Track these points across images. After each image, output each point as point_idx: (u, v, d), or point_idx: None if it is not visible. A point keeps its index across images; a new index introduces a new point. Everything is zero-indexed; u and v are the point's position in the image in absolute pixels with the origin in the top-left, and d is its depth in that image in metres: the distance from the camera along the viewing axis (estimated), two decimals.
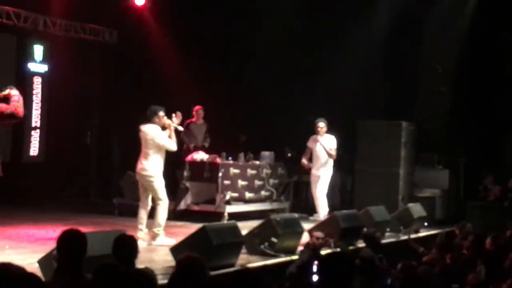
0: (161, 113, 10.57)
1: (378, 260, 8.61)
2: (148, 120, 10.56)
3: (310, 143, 14.12)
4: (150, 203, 10.68)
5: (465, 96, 16.30)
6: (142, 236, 10.36)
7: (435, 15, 16.67)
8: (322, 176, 13.92)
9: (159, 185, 10.54)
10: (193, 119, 14.73)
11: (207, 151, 14.44)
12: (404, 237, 12.09)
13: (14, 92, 9.19)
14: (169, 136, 10.60)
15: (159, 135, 10.48)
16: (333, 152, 13.93)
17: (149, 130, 10.47)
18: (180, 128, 11.08)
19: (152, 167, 10.50)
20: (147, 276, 4.70)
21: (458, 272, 7.40)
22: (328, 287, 4.74)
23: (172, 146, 10.63)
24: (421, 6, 16.59)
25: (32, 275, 4.19)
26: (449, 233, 12.52)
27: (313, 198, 14.17)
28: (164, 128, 10.63)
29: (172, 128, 10.64)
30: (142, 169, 10.54)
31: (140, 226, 10.56)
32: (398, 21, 16.42)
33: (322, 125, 13.95)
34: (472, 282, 6.59)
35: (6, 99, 9.07)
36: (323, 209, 13.74)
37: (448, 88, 16.72)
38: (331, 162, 14.00)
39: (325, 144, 13.88)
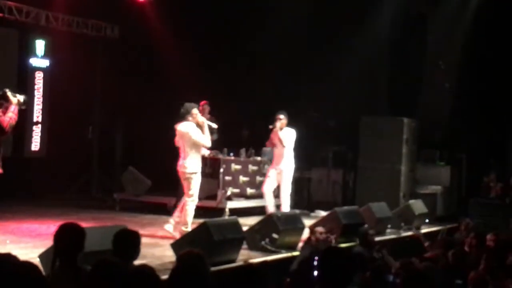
0: (195, 111, 10.78)
1: (374, 257, 8.63)
2: (182, 118, 10.75)
3: (271, 137, 12.82)
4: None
5: (468, 93, 16.27)
6: (168, 228, 10.71)
7: (439, 12, 16.65)
8: (284, 171, 12.62)
9: (195, 183, 10.76)
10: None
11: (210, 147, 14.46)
12: (406, 234, 12.10)
13: (16, 100, 8.39)
14: (203, 133, 10.77)
15: (194, 131, 10.65)
16: (286, 144, 12.60)
17: (184, 128, 10.67)
18: (214, 125, 11.21)
19: (190, 164, 10.73)
20: (147, 273, 4.68)
21: (460, 269, 7.39)
22: (329, 282, 4.73)
23: (206, 142, 10.81)
24: (425, 3, 16.56)
25: (30, 264, 4.18)
26: (450, 229, 12.52)
27: (264, 194, 12.82)
28: (198, 125, 10.80)
29: (206, 125, 10.82)
30: (182, 166, 10.79)
31: (171, 220, 10.87)
32: (402, 18, 16.40)
33: (282, 117, 12.69)
34: (474, 278, 6.57)
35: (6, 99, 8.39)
36: (286, 205, 12.56)
37: (451, 85, 16.71)
38: (291, 156, 12.72)
39: (283, 138, 12.60)
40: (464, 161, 16.21)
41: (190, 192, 10.72)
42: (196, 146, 10.73)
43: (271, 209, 12.34)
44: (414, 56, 16.55)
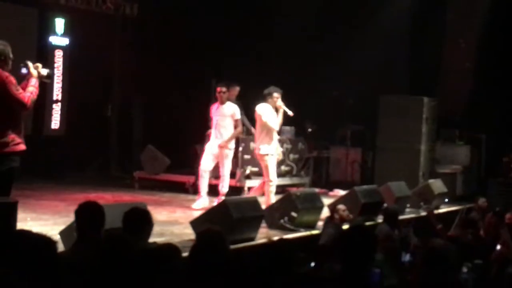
0: (275, 95, 11.07)
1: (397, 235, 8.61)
2: (264, 99, 11.10)
3: (211, 112, 11.98)
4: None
5: (488, 73, 16.15)
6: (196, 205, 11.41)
7: None
8: (226, 150, 11.71)
9: (270, 164, 11.03)
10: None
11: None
12: (425, 213, 12.07)
13: (38, 73, 7.60)
14: (280, 118, 11.11)
15: (265, 112, 10.98)
16: (239, 128, 11.88)
17: (259, 109, 11.08)
18: (290, 113, 11.28)
19: (263, 146, 11.06)
20: (169, 250, 4.68)
21: (480, 248, 7.38)
22: (351, 260, 4.73)
23: (274, 125, 11.06)
24: None
25: (44, 238, 4.23)
26: (469, 209, 12.48)
27: (221, 176, 11.86)
28: (276, 109, 11.11)
29: (282, 110, 11.08)
30: (256, 148, 11.27)
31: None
32: None
33: (223, 89, 11.76)
34: (497, 257, 6.55)
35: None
36: (225, 188, 11.81)
37: (471, 64, 16.58)
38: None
39: (225, 113, 11.71)
40: (483, 140, 16.12)
41: (269, 177, 11.08)
42: (266, 128, 11.01)
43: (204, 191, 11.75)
44: (434, 35, 16.43)
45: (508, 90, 15.78)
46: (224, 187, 11.75)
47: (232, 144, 11.80)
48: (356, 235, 4.88)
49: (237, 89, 14.50)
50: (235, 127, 11.75)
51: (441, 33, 16.65)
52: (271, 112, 11.02)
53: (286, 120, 11.63)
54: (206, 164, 11.73)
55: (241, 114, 14.29)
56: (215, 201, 10.89)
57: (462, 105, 16.29)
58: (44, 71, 7.63)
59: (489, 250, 7.02)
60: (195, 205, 11.43)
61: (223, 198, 10.91)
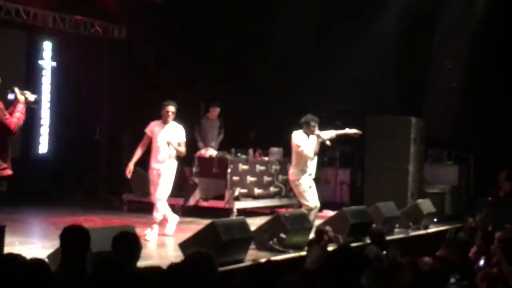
0: (313, 123, 11.10)
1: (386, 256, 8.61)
2: (300, 127, 11.16)
3: (150, 129, 10.98)
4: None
5: (475, 92, 16.24)
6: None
7: (446, 11, 16.62)
8: (164, 173, 10.80)
9: (302, 190, 11.07)
10: (208, 115, 14.78)
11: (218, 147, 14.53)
12: (415, 233, 12.10)
13: (25, 99, 7.71)
14: (316, 147, 11.10)
15: (299, 141, 11.04)
16: (182, 149, 10.88)
17: (294, 136, 11.13)
18: (328, 143, 11.26)
19: (295, 172, 11.12)
20: (154, 273, 4.68)
21: (467, 269, 7.38)
22: (337, 282, 4.73)
23: (308, 152, 11.05)
24: (433, 2, 16.53)
25: (38, 261, 4.24)
26: (458, 229, 12.49)
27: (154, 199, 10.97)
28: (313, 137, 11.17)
29: (319, 140, 11.11)
30: (289, 174, 11.33)
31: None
32: (410, 16, 16.38)
33: (172, 109, 10.90)
34: (485, 277, 6.55)
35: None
36: (159, 214, 10.77)
37: (458, 84, 16.68)
38: (174, 154, 10.88)
39: (169, 135, 10.80)
40: (472, 160, 16.18)
41: (303, 201, 11.15)
42: (299, 155, 11.04)
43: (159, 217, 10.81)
44: (421, 55, 16.52)
45: (495, 110, 15.86)
46: (158, 213, 10.74)
47: (173, 166, 10.85)
48: (343, 257, 4.88)
49: (217, 110, 14.64)
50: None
51: (428, 54, 16.74)
52: (306, 140, 11.07)
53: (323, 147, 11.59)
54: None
55: (221, 132, 14.47)
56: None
57: (450, 125, 16.36)
58: (32, 97, 7.64)
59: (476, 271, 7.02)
60: (167, 231, 10.87)
61: (155, 227, 10.53)
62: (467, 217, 12.06)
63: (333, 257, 4.98)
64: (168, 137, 10.70)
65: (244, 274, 4.71)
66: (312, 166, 11.18)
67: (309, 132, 11.07)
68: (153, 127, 10.88)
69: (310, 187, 11.12)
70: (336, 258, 4.90)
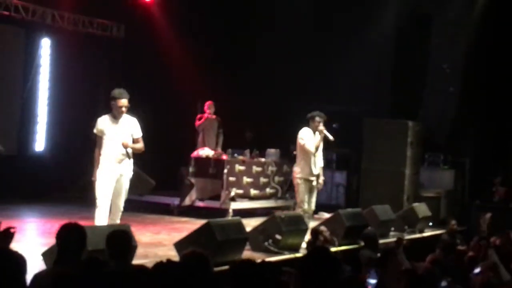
0: (317, 119, 11.11)
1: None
2: (306, 122, 11.18)
3: (99, 129, 9.27)
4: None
5: (473, 97, 16.26)
6: None
7: (444, 14, 16.64)
8: (126, 177, 9.29)
9: (300, 188, 11.08)
10: (205, 114, 14.75)
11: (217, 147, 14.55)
12: (410, 236, 12.12)
13: None
14: (318, 142, 11.10)
15: (303, 136, 11.06)
16: (140, 145, 9.31)
17: (299, 132, 11.13)
18: (331, 138, 11.23)
19: (298, 169, 11.14)
20: (148, 273, 4.69)
21: (461, 272, 7.40)
22: (312, 283, 4.70)
23: (309, 147, 11.05)
24: (430, 5, 16.55)
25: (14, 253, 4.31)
26: (442, 235, 12.55)
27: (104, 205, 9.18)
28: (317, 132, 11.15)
29: (322, 135, 11.11)
30: (293, 170, 11.29)
31: None
32: (407, 20, 16.40)
33: (126, 103, 9.26)
34: (480, 281, 6.57)
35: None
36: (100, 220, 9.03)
37: (455, 88, 16.70)
38: (131, 153, 9.32)
39: (124, 130, 9.19)
40: (467, 164, 16.20)
41: (297, 198, 11.14)
42: (303, 151, 11.06)
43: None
44: (418, 59, 16.53)
45: (491, 114, 15.89)
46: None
47: (131, 167, 9.39)
48: (315, 257, 4.86)
49: (212, 107, 14.64)
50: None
51: (425, 57, 16.76)
52: (310, 136, 11.09)
53: (326, 144, 11.56)
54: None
55: (220, 132, 14.45)
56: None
57: (446, 129, 16.38)
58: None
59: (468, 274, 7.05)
60: None
61: None
62: (450, 220, 12.31)
63: (307, 258, 4.97)
64: (123, 135, 9.08)
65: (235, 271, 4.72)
66: (318, 163, 11.18)
67: (314, 128, 11.09)
68: (103, 125, 9.15)
69: (311, 188, 11.15)
70: (309, 260, 4.88)
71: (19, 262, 4.43)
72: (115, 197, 9.17)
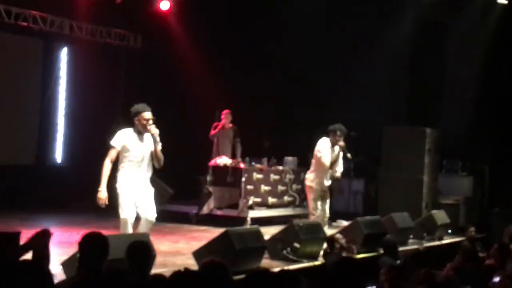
0: (338, 133, 11.18)
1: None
2: (326, 134, 11.24)
3: (121, 143, 9.03)
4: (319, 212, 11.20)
5: (489, 103, 16.20)
6: None
7: (459, 21, 16.60)
8: (150, 189, 9.13)
9: (313, 197, 11.17)
10: (221, 122, 14.76)
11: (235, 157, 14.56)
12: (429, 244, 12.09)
13: None
14: (336, 156, 11.19)
15: (321, 148, 11.13)
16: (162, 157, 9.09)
17: (318, 142, 11.21)
18: (349, 156, 11.37)
19: (310, 178, 11.23)
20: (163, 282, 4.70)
21: (481, 280, 7.35)
22: None
23: (325, 161, 11.13)
24: (445, 12, 16.52)
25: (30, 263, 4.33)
26: (463, 241, 12.49)
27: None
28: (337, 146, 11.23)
29: (341, 150, 11.19)
30: (306, 178, 11.39)
31: None
32: (423, 27, 16.38)
33: (150, 115, 9.09)
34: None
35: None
36: None
37: (472, 94, 16.64)
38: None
39: (148, 146, 8.98)
40: (486, 171, 16.11)
41: (310, 210, 11.23)
42: (318, 161, 11.14)
43: None
44: (434, 66, 16.50)
45: (509, 120, 15.81)
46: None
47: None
48: (343, 267, 4.86)
49: (229, 117, 14.67)
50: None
51: (442, 64, 16.72)
52: (328, 149, 11.14)
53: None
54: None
55: (237, 141, 14.42)
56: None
57: (464, 135, 16.31)
58: None
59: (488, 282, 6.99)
60: None
61: None
62: (468, 227, 12.24)
63: (335, 267, 4.97)
64: (146, 152, 8.93)
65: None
66: (326, 176, 11.17)
67: (334, 141, 11.14)
68: (126, 140, 8.90)
69: (323, 197, 11.15)
70: (337, 268, 4.88)
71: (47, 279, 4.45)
72: (145, 209, 8.88)
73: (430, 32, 16.47)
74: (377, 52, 16.24)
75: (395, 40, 16.54)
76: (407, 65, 16.69)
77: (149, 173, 8.98)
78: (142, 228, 8.75)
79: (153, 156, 8.90)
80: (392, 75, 16.39)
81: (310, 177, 11.20)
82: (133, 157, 8.86)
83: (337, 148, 11.16)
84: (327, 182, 11.22)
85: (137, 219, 8.86)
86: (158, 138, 8.88)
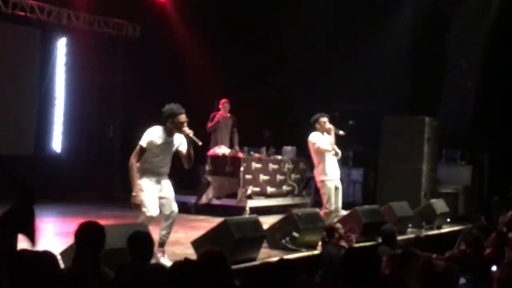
0: (322, 119, 11.14)
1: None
2: (312, 127, 11.16)
3: (151, 142, 8.75)
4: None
5: (490, 93, 16.18)
6: None
7: (461, 11, 16.57)
8: (170, 184, 9.12)
9: (325, 191, 11.10)
10: (219, 112, 14.72)
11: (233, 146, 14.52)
12: (427, 233, 12.06)
13: None
14: (331, 139, 11.12)
15: (314, 139, 11.08)
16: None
17: (309, 138, 11.14)
18: (341, 132, 11.32)
19: (319, 172, 11.15)
20: (163, 271, 4.70)
21: (481, 268, 7.34)
22: (351, 281, 4.71)
23: (326, 146, 11.08)
24: (447, 3, 16.49)
25: (46, 252, 4.29)
26: (471, 229, 12.47)
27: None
28: (327, 132, 11.19)
29: (333, 133, 11.14)
30: (314, 174, 11.39)
31: None
32: (424, 17, 16.35)
33: (185, 117, 8.85)
34: (500, 277, 6.50)
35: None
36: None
37: (473, 84, 16.62)
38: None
39: (173, 147, 8.91)
40: (486, 161, 16.10)
41: (323, 200, 11.14)
42: (319, 153, 11.08)
43: None
44: (435, 55, 16.47)
45: (509, 110, 15.79)
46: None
47: None
48: (358, 255, 4.87)
49: (226, 106, 14.62)
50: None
51: (443, 54, 16.68)
52: (320, 136, 11.12)
53: (341, 140, 11.55)
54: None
55: (235, 131, 14.36)
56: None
57: (464, 125, 16.30)
58: None
59: (490, 271, 6.98)
60: None
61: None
62: (478, 216, 12.17)
63: (350, 254, 4.97)
64: (171, 153, 8.89)
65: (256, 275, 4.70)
66: (334, 165, 11.17)
67: (321, 129, 11.12)
68: (156, 139, 8.68)
69: (336, 188, 11.14)
70: (350, 259, 4.88)
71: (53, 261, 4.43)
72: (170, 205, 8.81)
73: (431, 22, 16.43)
74: (379, 42, 16.22)
75: (397, 30, 16.53)
76: (409, 55, 16.65)
77: (168, 169, 8.90)
78: (168, 220, 8.73)
79: (184, 157, 8.82)
80: (393, 65, 16.35)
81: (318, 171, 11.18)
82: (159, 156, 8.73)
83: (327, 135, 11.12)
84: (337, 171, 11.19)
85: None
86: (195, 138, 8.74)
